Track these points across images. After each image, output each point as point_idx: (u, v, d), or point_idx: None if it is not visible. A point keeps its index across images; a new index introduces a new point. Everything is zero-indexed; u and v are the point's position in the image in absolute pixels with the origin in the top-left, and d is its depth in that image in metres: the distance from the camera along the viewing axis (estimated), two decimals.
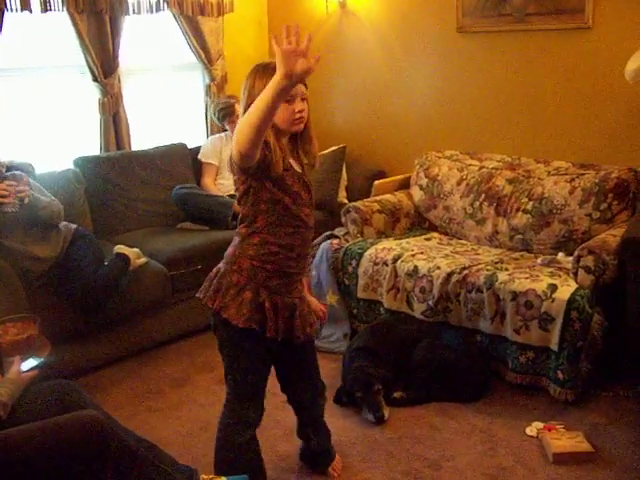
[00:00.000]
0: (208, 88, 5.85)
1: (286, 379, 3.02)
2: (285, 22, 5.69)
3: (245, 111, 2.51)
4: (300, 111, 2.58)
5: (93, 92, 5.08)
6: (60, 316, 3.97)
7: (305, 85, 2.60)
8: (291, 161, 2.66)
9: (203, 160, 5.40)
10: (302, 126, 2.64)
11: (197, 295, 2.76)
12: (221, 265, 2.72)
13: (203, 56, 5.68)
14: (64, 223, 4.21)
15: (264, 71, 2.53)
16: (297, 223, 2.67)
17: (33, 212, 3.94)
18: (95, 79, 5.02)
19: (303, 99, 2.60)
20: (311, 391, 3.08)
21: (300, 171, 2.69)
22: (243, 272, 2.65)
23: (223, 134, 5.48)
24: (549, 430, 3.45)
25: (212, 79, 5.81)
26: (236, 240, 2.70)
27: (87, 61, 4.96)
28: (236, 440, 2.80)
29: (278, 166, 2.54)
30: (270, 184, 2.58)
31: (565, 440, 3.34)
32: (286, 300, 2.71)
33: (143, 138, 5.49)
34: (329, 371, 4.10)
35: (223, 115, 5.36)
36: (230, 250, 2.72)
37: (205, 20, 5.59)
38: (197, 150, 5.49)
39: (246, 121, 2.35)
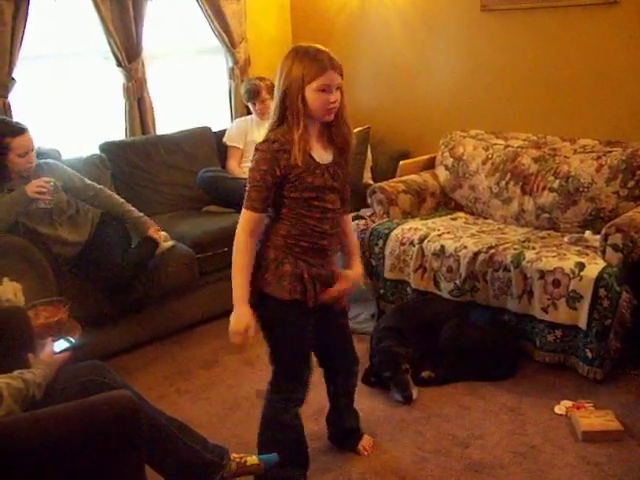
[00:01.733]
0: (231, 71, 5.86)
1: (324, 351, 3.04)
2: (309, 4, 5.70)
3: (283, 93, 2.57)
4: (334, 101, 2.60)
5: (117, 77, 5.10)
6: (89, 300, 4.01)
7: (341, 75, 2.62)
8: (315, 152, 2.66)
9: (228, 143, 5.42)
10: (333, 115, 2.65)
11: None
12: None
13: (226, 39, 5.69)
14: (91, 208, 4.24)
15: (303, 56, 2.55)
16: (322, 211, 2.69)
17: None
18: (119, 64, 5.04)
19: (338, 88, 2.61)
20: (348, 361, 3.13)
21: (327, 161, 2.70)
22: (279, 247, 2.69)
23: (249, 117, 5.48)
24: (578, 408, 3.45)
25: (235, 62, 5.81)
26: (266, 219, 2.72)
27: (111, 46, 4.98)
28: (281, 418, 2.84)
29: (299, 158, 2.56)
30: (290, 186, 2.62)
31: (594, 418, 3.33)
32: (322, 272, 2.75)
33: (168, 122, 5.51)
34: (357, 351, 4.06)
35: (248, 97, 5.36)
36: (261, 240, 2.74)
37: (227, 3, 5.59)
38: (222, 133, 5.50)
39: (233, 266, 2.66)
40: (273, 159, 2.57)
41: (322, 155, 2.69)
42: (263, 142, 2.62)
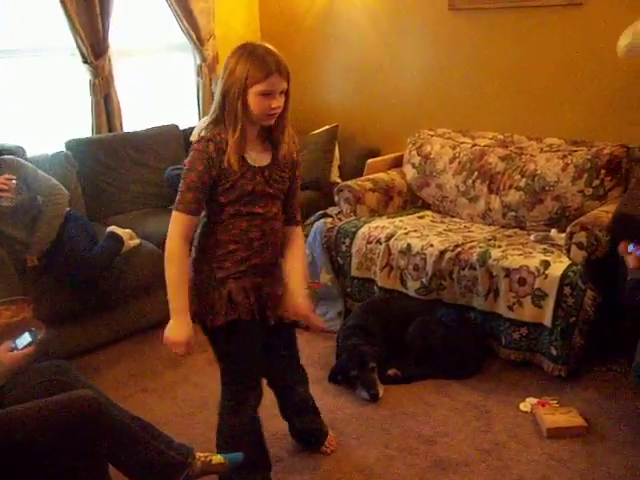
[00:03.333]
0: (199, 69, 5.83)
1: (266, 363, 2.96)
2: (276, 1, 5.68)
3: (224, 91, 2.49)
4: (275, 107, 2.52)
5: (84, 74, 5.05)
6: (55, 299, 3.98)
7: (288, 80, 2.53)
8: (249, 154, 2.59)
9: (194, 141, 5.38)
10: (273, 120, 2.57)
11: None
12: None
13: (194, 36, 5.66)
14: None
15: (249, 56, 2.45)
16: (250, 218, 2.62)
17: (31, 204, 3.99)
18: (85, 61, 4.99)
19: (282, 93, 2.53)
20: (290, 377, 3.09)
21: (262, 164, 2.62)
22: (205, 265, 2.65)
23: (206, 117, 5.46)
24: (542, 405, 3.48)
25: (203, 60, 5.79)
26: (197, 234, 2.68)
27: (77, 42, 4.92)
28: (236, 421, 2.81)
29: (234, 163, 2.51)
30: (220, 189, 2.56)
31: (558, 415, 3.38)
32: (253, 280, 2.68)
33: (135, 120, 5.47)
34: (323, 350, 4.12)
35: None
36: (193, 245, 2.70)
37: (195, 0, 5.56)
38: (189, 131, 5.46)
39: (167, 274, 2.64)
40: (209, 159, 2.50)
41: (257, 157, 2.61)
42: (199, 141, 2.54)
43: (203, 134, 2.55)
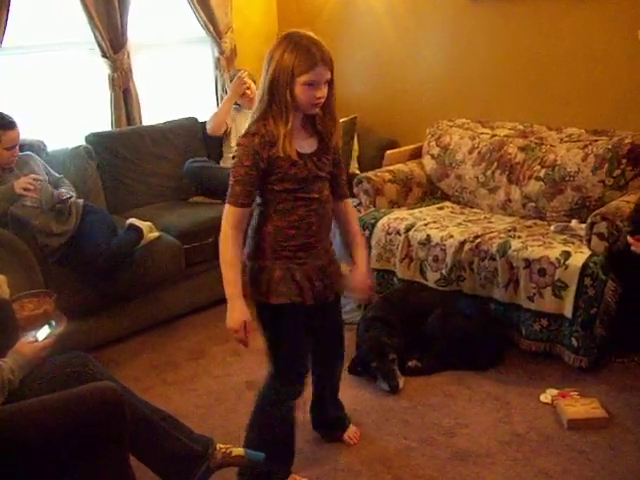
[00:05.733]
0: (217, 61, 5.83)
1: (315, 342, 3.00)
2: None
3: (270, 82, 2.53)
4: (320, 97, 2.57)
5: (103, 68, 5.07)
6: (76, 291, 4.01)
7: (332, 70, 2.57)
8: (297, 143, 2.63)
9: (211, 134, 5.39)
10: (317, 109, 2.63)
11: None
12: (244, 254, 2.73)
13: (212, 29, 5.66)
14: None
15: (295, 46, 2.50)
16: (307, 203, 2.67)
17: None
18: (104, 55, 5.01)
19: (326, 83, 2.58)
20: (334, 354, 3.12)
21: (310, 151, 2.67)
22: (266, 252, 2.68)
23: (234, 106, 5.46)
24: (563, 397, 3.47)
25: (221, 52, 5.79)
26: (253, 222, 2.72)
27: (96, 37, 4.94)
28: (276, 411, 2.84)
29: (290, 152, 2.56)
30: (273, 178, 2.60)
31: (579, 406, 3.36)
32: (316, 264, 2.73)
33: (154, 113, 5.48)
34: (344, 341, 4.12)
35: None
36: (249, 236, 2.74)
37: None
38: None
39: (221, 262, 2.63)
40: (255, 153, 2.54)
41: (304, 145, 2.67)
42: (245, 136, 2.59)
43: (248, 129, 2.60)
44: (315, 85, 2.53)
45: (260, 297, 2.69)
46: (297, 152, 2.61)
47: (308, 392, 3.20)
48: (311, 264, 2.71)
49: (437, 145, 5.04)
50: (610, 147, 4.24)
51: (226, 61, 5.82)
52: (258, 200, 2.68)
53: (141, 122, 5.33)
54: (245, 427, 2.93)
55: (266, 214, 2.67)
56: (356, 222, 3.00)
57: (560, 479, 2.96)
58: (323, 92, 2.57)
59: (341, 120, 5.35)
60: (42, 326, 2.83)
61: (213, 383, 3.84)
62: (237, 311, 2.60)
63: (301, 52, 2.49)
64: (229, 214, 2.62)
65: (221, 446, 2.75)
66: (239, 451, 2.77)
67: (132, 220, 4.29)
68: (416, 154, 5.26)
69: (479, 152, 4.80)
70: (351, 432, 3.28)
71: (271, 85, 2.54)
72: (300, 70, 2.49)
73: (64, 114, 5.07)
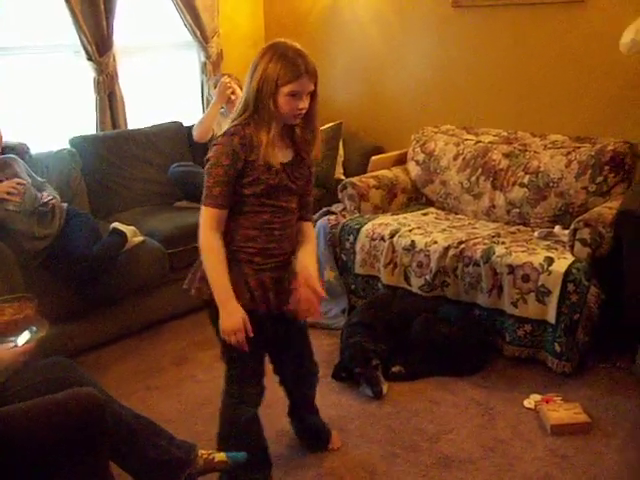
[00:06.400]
0: (204, 66, 5.83)
1: (278, 359, 3.00)
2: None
3: (255, 90, 2.53)
4: (302, 108, 2.58)
5: (88, 71, 5.06)
6: (59, 295, 3.98)
7: (315, 82, 2.58)
8: (275, 151, 2.61)
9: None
10: (298, 120, 2.63)
11: (184, 287, 2.78)
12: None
13: (198, 34, 5.66)
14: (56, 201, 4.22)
15: (281, 57, 2.51)
16: (273, 210, 2.66)
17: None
18: (90, 58, 4.99)
19: (309, 94, 2.59)
20: (303, 372, 3.07)
21: (285, 160, 2.67)
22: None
23: (220, 111, 5.45)
24: (546, 402, 3.48)
25: (208, 57, 5.79)
26: None
27: (81, 40, 4.92)
28: (237, 418, 2.82)
29: (271, 160, 2.56)
30: (244, 182, 2.59)
31: (562, 412, 3.37)
32: (273, 275, 2.70)
33: (140, 117, 5.48)
34: (327, 347, 4.12)
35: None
36: None
37: None
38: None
39: (206, 267, 2.61)
40: (234, 153, 2.54)
41: (280, 154, 2.65)
42: (223, 136, 2.59)
43: (226, 130, 2.60)
44: (298, 96, 2.54)
45: (212, 301, 2.64)
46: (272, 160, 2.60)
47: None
48: (268, 274, 2.69)
49: (422, 151, 5.06)
50: (593, 154, 4.28)
51: (212, 66, 5.82)
52: None
53: (126, 126, 5.32)
54: (216, 435, 2.91)
55: (231, 215, 2.65)
56: (313, 245, 2.90)
57: None
58: (305, 103, 2.58)
59: (327, 126, 5.43)
60: (23, 331, 2.81)
61: (197, 388, 3.83)
62: (234, 313, 2.58)
63: (286, 62, 2.50)
64: (209, 217, 2.60)
65: (203, 452, 2.74)
66: (221, 456, 2.76)
67: (116, 224, 4.27)
68: (401, 160, 5.27)
69: (464, 158, 4.82)
70: (333, 437, 3.27)
71: (255, 94, 2.55)
72: (284, 80, 2.50)
73: (49, 117, 5.05)
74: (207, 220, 2.60)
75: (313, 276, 2.74)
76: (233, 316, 2.58)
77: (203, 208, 2.60)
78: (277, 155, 2.62)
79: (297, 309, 2.74)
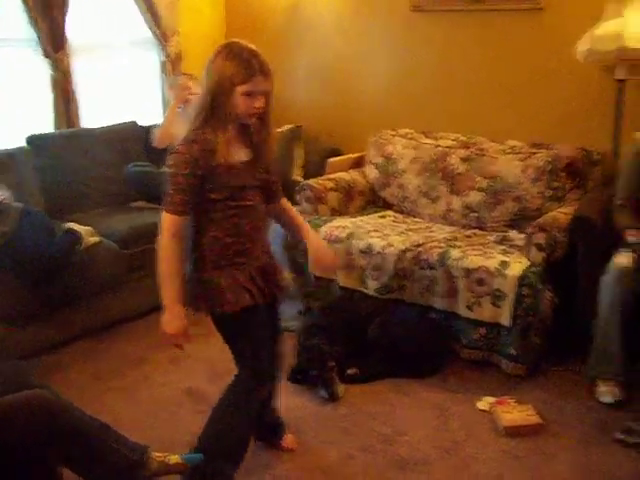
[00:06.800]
0: (163, 65, 5.79)
1: None
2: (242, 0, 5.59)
3: (210, 89, 2.55)
4: (257, 107, 2.60)
5: (44, 68, 4.99)
6: (14, 296, 3.93)
7: (271, 82, 2.61)
8: (233, 151, 2.65)
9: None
10: (254, 119, 2.65)
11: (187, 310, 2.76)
12: (186, 268, 2.73)
13: (158, 32, 5.61)
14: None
15: (235, 56, 2.54)
16: (241, 211, 2.68)
17: None
18: (45, 54, 4.92)
19: (265, 94, 2.61)
20: (279, 357, 3.10)
21: (244, 159, 2.69)
22: (206, 262, 2.69)
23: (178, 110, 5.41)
24: (500, 404, 3.51)
25: (167, 56, 5.74)
26: (189, 236, 2.71)
27: (37, 35, 4.85)
28: (243, 413, 2.83)
29: (227, 159, 2.59)
30: (209, 187, 2.61)
31: (516, 413, 3.41)
32: (255, 265, 2.76)
33: (97, 116, 5.41)
34: (283, 349, 4.11)
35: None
36: (188, 250, 2.73)
37: None
38: (150, 129, 5.41)
39: (160, 270, 2.63)
40: (195, 161, 2.55)
41: (240, 154, 2.69)
42: (183, 143, 2.60)
43: (186, 136, 2.61)
44: (253, 95, 2.57)
45: (214, 308, 2.69)
46: (232, 161, 2.63)
47: None
48: (251, 266, 2.74)
49: (380, 154, 5.08)
50: (549, 160, 4.35)
51: (172, 65, 5.78)
52: (195, 211, 2.67)
53: (81, 125, 5.25)
54: (206, 423, 2.86)
55: (201, 225, 2.68)
56: (298, 215, 3.04)
57: None
58: (261, 103, 2.60)
59: (286, 127, 5.42)
60: None
61: (155, 390, 3.80)
62: (177, 318, 2.62)
63: (241, 62, 2.53)
64: (168, 223, 2.61)
65: (157, 454, 2.71)
66: (176, 458, 2.73)
67: (70, 224, 4.22)
68: (359, 163, 5.29)
69: (422, 162, 4.85)
70: (289, 439, 3.27)
71: (210, 94, 2.57)
72: (239, 80, 2.53)
73: (5, 115, 4.97)
74: (167, 227, 2.61)
75: (328, 256, 2.98)
76: (176, 321, 2.63)
77: (164, 214, 2.62)
78: (237, 154, 2.66)
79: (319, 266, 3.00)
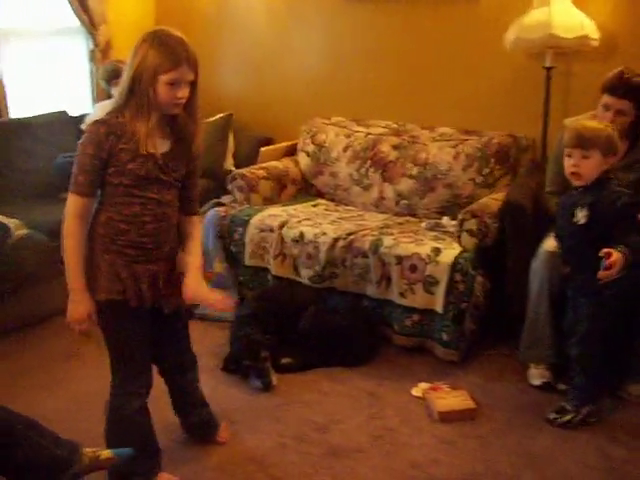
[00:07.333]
0: (92, 54, 5.67)
1: (159, 350, 2.92)
2: None
3: (133, 76, 2.49)
4: (181, 97, 2.55)
5: None
6: None
7: (196, 71, 2.56)
8: (156, 141, 2.59)
9: None
10: (178, 110, 2.60)
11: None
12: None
13: (86, 20, 5.48)
14: None
15: (161, 45, 2.48)
16: (144, 202, 2.61)
17: None
18: None
19: (190, 84, 2.56)
20: (181, 362, 3.03)
21: (161, 151, 2.62)
22: (96, 242, 2.63)
23: (108, 102, 5.30)
24: (434, 390, 3.54)
25: (96, 45, 5.62)
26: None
27: None
28: (125, 412, 2.77)
29: (148, 148, 2.54)
30: (113, 170, 2.56)
31: (450, 399, 3.44)
32: (148, 267, 2.67)
33: (24, 105, 5.28)
34: (217, 339, 4.08)
35: (109, 78, 5.17)
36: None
37: None
38: (81, 118, 5.32)
39: (64, 253, 2.59)
40: (99, 142, 2.51)
41: (157, 144, 2.61)
42: (92, 124, 2.56)
43: (98, 118, 2.57)
44: (177, 85, 2.52)
45: (90, 292, 2.64)
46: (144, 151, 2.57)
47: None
48: (142, 266, 2.66)
49: (312, 142, 5.06)
50: (480, 146, 4.39)
51: (101, 54, 5.66)
52: (100, 190, 2.63)
53: (8, 114, 5.12)
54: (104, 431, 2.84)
55: (101, 205, 2.63)
56: (197, 242, 2.89)
57: (429, 469, 3.03)
58: (185, 92, 2.55)
59: (217, 116, 5.37)
60: None
61: (84, 385, 3.72)
62: (83, 303, 2.60)
63: (165, 50, 2.47)
64: (72, 203, 2.57)
65: (88, 450, 2.66)
66: (107, 453, 2.68)
67: None
68: (291, 151, 5.27)
69: (353, 150, 4.85)
70: (221, 431, 3.23)
71: (133, 81, 2.51)
72: (163, 68, 2.47)
73: None
74: (70, 207, 2.58)
75: (200, 290, 2.78)
76: (81, 306, 2.60)
77: (69, 195, 2.58)
78: (156, 144, 2.59)
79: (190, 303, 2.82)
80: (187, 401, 3.14)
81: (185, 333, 3.03)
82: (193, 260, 2.80)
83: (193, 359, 3.09)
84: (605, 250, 2.91)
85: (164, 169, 2.63)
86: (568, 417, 3.30)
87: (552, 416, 3.32)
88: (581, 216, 3.12)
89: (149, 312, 2.72)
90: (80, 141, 2.56)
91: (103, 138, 2.50)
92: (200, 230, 2.98)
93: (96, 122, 2.55)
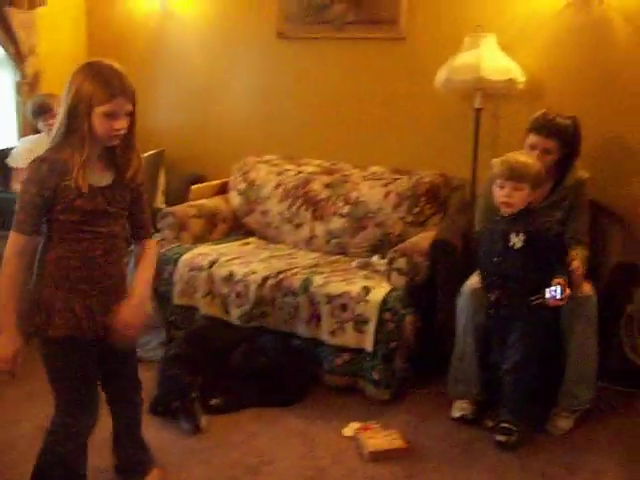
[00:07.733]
0: (19, 86, 5.56)
1: (106, 375, 2.87)
2: (105, 20, 5.47)
3: (69, 110, 2.46)
4: (119, 129, 2.52)
5: None
6: None
7: (133, 102, 2.54)
8: (90, 174, 2.55)
9: (13, 165, 5.13)
10: (117, 141, 2.57)
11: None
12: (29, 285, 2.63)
13: (12, 51, 5.38)
14: None
15: (95, 76, 2.45)
16: (93, 237, 2.59)
17: None
18: None
19: (127, 115, 2.53)
20: (131, 389, 2.99)
21: (104, 184, 2.60)
22: (48, 280, 2.58)
23: (35, 136, 5.21)
24: (365, 430, 3.52)
25: (23, 77, 5.51)
26: (39, 252, 2.62)
27: None
28: (62, 449, 2.71)
29: (82, 184, 2.48)
30: (59, 208, 2.52)
31: (380, 438, 3.42)
32: (101, 299, 2.65)
33: None
34: (145, 381, 3.86)
35: (38, 113, 5.06)
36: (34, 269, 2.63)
37: (15, 11, 5.28)
38: (7, 153, 5.20)
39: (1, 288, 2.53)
40: (41, 181, 2.46)
41: (98, 178, 2.59)
42: (34, 161, 2.51)
43: (40, 155, 2.52)
44: (114, 116, 2.49)
45: (38, 329, 2.59)
46: (88, 185, 2.53)
47: (108, 434, 3.07)
48: (97, 298, 2.64)
49: (243, 180, 5.04)
50: (410, 186, 4.42)
51: (29, 86, 5.55)
52: (44, 228, 2.58)
53: None
54: (32, 470, 2.75)
55: (50, 243, 2.58)
56: (149, 261, 2.86)
57: None
58: (122, 124, 2.52)
59: (148, 153, 5.31)
60: None
61: (2, 429, 3.60)
62: (11, 340, 2.54)
63: (101, 82, 2.44)
64: (12, 241, 2.53)
65: None
66: None
67: None
68: (223, 189, 5.24)
69: (284, 188, 4.84)
70: (154, 474, 3.12)
71: (69, 113, 2.48)
72: (99, 100, 2.44)
73: None
74: (10, 245, 2.53)
75: (135, 300, 2.73)
76: (11, 345, 2.54)
77: (10, 232, 2.53)
78: (91, 178, 2.54)
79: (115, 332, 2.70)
80: (127, 436, 3.06)
81: (134, 360, 3.00)
82: (135, 286, 2.77)
83: (140, 385, 3.04)
84: (558, 280, 3.15)
85: (110, 201, 2.61)
86: (515, 436, 3.37)
87: (501, 438, 3.38)
88: (517, 240, 3.29)
89: (101, 344, 2.69)
90: (22, 178, 2.53)
91: (46, 175, 2.46)
92: (153, 253, 2.92)
93: (37, 160, 2.51)
